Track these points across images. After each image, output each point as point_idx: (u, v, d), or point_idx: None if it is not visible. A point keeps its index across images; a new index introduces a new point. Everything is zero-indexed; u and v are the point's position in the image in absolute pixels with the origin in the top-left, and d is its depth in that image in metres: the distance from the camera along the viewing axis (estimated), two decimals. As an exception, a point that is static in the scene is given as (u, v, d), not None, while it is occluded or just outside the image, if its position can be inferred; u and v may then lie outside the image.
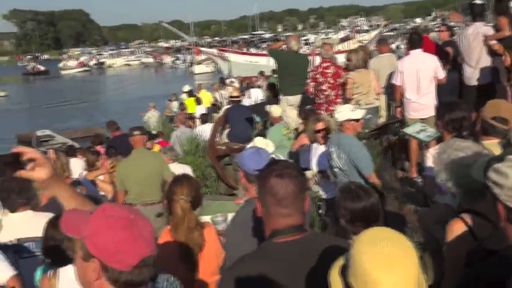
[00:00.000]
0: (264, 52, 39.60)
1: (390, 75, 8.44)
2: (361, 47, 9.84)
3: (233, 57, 35.15)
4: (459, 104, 4.64)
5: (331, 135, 5.95)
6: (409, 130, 6.42)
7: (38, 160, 1.98)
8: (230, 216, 4.96)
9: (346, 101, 8.54)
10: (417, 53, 7.54)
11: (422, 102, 7.35)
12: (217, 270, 3.47)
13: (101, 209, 1.74)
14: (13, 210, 4.22)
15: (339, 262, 1.79)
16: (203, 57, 52.45)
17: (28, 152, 1.98)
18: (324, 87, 8.44)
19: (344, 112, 5.43)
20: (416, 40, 7.69)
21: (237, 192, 8.49)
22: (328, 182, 5.95)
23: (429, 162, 3.99)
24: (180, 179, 3.54)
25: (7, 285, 3.41)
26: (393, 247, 1.65)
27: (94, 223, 1.71)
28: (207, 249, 3.47)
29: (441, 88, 7.63)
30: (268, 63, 30.51)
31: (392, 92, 8.14)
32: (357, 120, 5.44)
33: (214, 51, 38.18)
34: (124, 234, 1.67)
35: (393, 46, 36.41)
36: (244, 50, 46.63)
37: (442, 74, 7.47)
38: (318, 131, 6.22)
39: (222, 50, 37.61)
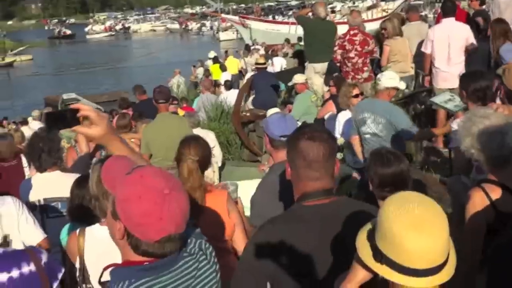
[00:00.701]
0: (287, 20, 39.11)
1: (420, 44, 8.27)
2: (396, 14, 9.61)
3: (254, 24, 34.80)
4: (482, 73, 4.58)
5: (360, 101, 5.89)
6: (437, 99, 6.32)
7: (94, 117, 1.98)
8: (243, 183, 4.93)
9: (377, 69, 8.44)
10: (450, 21, 7.37)
11: (452, 72, 7.19)
12: (221, 237, 3.35)
13: (139, 174, 1.69)
14: (42, 170, 4.26)
15: (367, 226, 1.76)
16: (229, 23, 52.07)
17: (85, 110, 1.98)
18: (351, 55, 8.30)
19: (393, 80, 5.41)
20: (449, 7, 7.50)
21: (260, 158, 8.50)
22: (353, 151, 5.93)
23: (456, 132, 3.94)
24: (188, 140, 3.46)
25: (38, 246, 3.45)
26: (422, 209, 1.61)
27: (127, 187, 1.67)
28: (208, 212, 3.38)
29: (471, 59, 7.46)
30: (289, 32, 30.20)
31: (421, 61, 7.99)
32: (396, 89, 5.46)
33: (236, 18, 37.62)
34: (151, 208, 1.62)
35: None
36: (267, 18, 45.91)
37: (473, 44, 7.31)
38: (356, 96, 6.14)
39: (244, 17, 37.09)
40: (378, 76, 5.73)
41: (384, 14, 31.82)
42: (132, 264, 1.71)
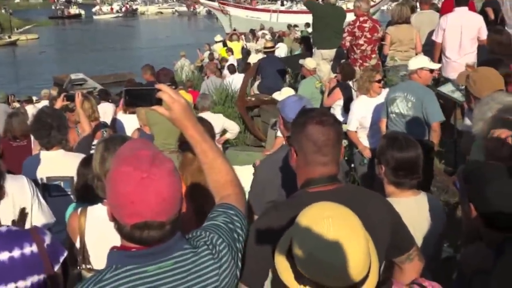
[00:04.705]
0: (265, 7, 37.67)
1: (430, 33, 8.17)
2: (406, 1, 9.45)
3: (233, 11, 33.77)
4: (500, 60, 4.51)
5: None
6: (444, 89, 6.28)
7: (168, 101, 1.94)
8: (246, 168, 4.90)
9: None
10: (463, 10, 7.28)
11: (462, 62, 7.11)
12: None
13: (122, 155, 1.66)
14: (49, 147, 4.19)
15: (283, 244, 1.75)
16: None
17: (165, 93, 1.94)
18: (361, 42, 8.21)
19: (420, 60, 5.51)
20: (462, -3, 7.41)
21: (264, 144, 8.46)
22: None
23: (468, 119, 3.90)
24: None
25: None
26: (337, 227, 1.60)
27: (113, 166, 1.66)
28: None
29: (481, 49, 7.37)
30: (270, 19, 29.58)
31: (430, 50, 7.90)
32: (431, 71, 5.50)
33: (215, 4, 35.38)
34: (123, 191, 1.59)
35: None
36: (275, 3, 44.81)
37: (485, 34, 7.22)
38: (379, 81, 6.09)
39: (223, 4, 35.04)
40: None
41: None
42: (121, 249, 1.68)
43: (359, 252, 1.58)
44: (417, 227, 2.78)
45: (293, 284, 1.64)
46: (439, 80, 7.71)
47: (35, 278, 2.44)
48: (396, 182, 3.02)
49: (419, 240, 2.79)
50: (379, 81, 6.10)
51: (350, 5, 9.88)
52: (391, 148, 3.05)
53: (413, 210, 2.94)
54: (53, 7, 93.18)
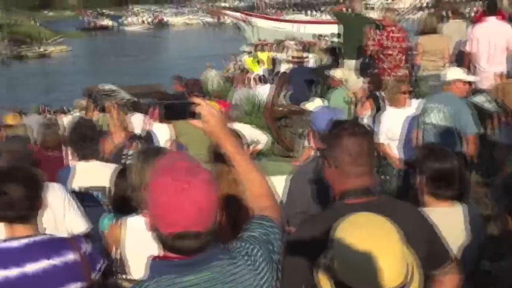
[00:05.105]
0: (292, 18, 37.49)
1: (459, 43, 8.12)
2: (435, 10, 9.40)
3: (258, 22, 33.34)
4: None
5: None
6: (477, 99, 6.23)
7: (204, 114, 1.97)
8: (275, 178, 4.91)
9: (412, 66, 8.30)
10: (493, 20, 7.22)
11: (492, 71, 7.05)
12: None
13: (162, 165, 1.71)
14: (85, 158, 4.28)
15: (321, 264, 1.79)
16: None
17: (200, 106, 1.97)
18: (390, 52, 8.19)
19: (454, 72, 5.52)
20: (493, 6, 7.37)
21: (292, 154, 8.46)
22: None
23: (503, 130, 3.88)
24: None
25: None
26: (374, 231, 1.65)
27: (151, 177, 1.70)
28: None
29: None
30: (293, 30, 29.38)
31: (460, 60, 7.84)
32: (468, 84, 5.52)
33: (238, 14, 35.33)
34: (162, 200, 1.62)
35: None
36: (300, 13, 44.29)
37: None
38: (404, 92, 6.08)
39: (247, 14, 34.95)
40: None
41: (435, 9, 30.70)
42: (162, 258, 1.71)
43: (393, 259, 1.61)
44: (454, 237, 2.77)
45: None
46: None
47: (74, 286, 2.50)
48: (433, 193, 3.02)
49: (458, 251, 2.79)
50: (404, 93, 6.08)
51: (373, 14, 9.85)
52: (428, 158, 3.06)
53: (450, 220, 2.92)
54: (83, 18, 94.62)
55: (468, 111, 5.32)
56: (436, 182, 3.00)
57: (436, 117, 5.36)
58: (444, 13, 10.30)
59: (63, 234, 3.36)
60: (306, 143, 5.78)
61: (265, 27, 32.74)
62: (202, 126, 2.00)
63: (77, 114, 12.59)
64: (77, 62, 45.19)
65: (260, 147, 7.37)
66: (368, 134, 2.24)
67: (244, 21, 34.05)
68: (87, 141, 4.21)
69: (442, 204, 3.01)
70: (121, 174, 3.41)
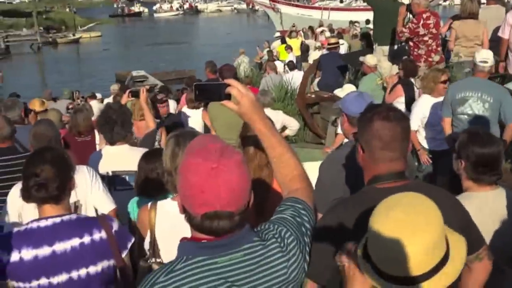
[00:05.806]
0: (324, 4, 37.25)
1: (496, 29, 7.90)
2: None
3: (284, 8, 33.31)
4: None
5: (459, 80, 5.77)
6: (510, 86, 6.07)
7: (236, 95, 1.96)
8: (306, 165, 4.87)
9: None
10: (531, 5, 7.01)
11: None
12: None
13: (192, 146, 1.69)
14: (113, 143, 4.32)
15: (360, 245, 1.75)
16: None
17: (234, 87, 1.96)
18: (426, 38, 8.00)
19: (483, 56, 5.35)
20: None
21: (324, 141, 8.41)
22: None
23: None
24: None
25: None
26: (408, 214, 1.61)
27: (183, 158, 1.68)
28: (275, 191, 3.33)
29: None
30: (321, 17, 29.10)
31: (496, 46, 7.64)
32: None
33: (266, 1, 34.98)
34: (193, 180, 1.61)
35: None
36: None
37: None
38: (444, 81, 5.96)
39: (274, 1, 34.56)
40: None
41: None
42: (192, 240, 1.69)
43: (429, 235, 1.58)
44: (495, 220, 2.78)
45: (381, 283, 1.65)
46: (505, 76, 7.45)
47: (105, 264, 2.53)
48: (475, 178, 3.01)
49: (501, 235, 2.77)
50: (444, 82, 5.94)
51: (405, 1, 9.64)
52: (472, 143, 3.03)
53: (491, 203, 2.92)
54: (115, 5, 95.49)
55: (510, 99, 5.16)
56: (478, 167, 2.99)
57: (478, 107, 5.19)
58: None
59: (91, 213, 3.42)
60: (339, 129, 5.72)
61: (292, 13, 32.60)
62: (235, 107, 1.98)
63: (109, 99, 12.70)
64: (109, 49, 45.63)
65: (288, 132, 7.34)
66: (403, 119, 2.16)
67: (273, 8, 33.96)
68: (113, 126, 4.23)
69: (484, 188, 3.00)
70: (146, 158, 3.42)
